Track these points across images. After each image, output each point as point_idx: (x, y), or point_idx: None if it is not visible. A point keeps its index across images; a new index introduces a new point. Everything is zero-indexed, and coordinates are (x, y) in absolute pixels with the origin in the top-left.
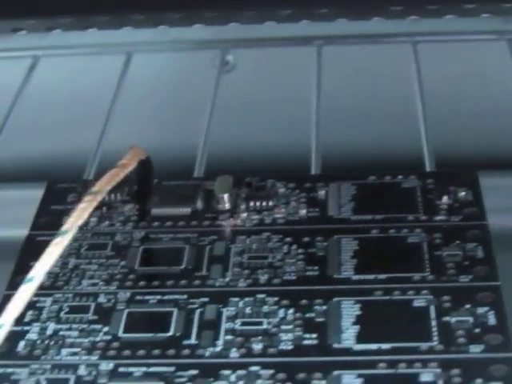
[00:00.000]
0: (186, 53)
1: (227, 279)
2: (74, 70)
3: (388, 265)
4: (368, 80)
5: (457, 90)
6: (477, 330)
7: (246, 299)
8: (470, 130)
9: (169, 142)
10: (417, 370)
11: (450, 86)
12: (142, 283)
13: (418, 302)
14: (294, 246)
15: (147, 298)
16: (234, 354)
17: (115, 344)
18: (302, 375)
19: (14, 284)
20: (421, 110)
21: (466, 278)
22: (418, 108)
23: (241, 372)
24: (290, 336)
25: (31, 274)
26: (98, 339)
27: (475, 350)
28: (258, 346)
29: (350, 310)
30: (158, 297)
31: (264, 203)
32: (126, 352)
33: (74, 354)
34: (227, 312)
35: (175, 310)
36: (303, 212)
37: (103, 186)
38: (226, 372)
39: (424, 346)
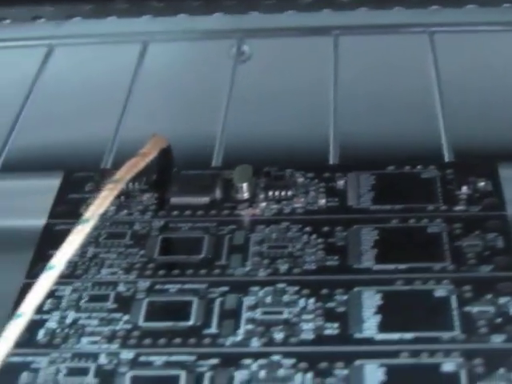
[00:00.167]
0: (202, 42)
1: (247, 268)
2: (89, 60)
3: (408, 255)
4: (385, 70)
5: (475, 80)
6: (498, 320)
7: (266, 289)
8: (489, 120)
9: (185, 131)
10: (439, 359)
11: (468, 77)
12: (161, 272)
13: (439, 292)
14: (314, 236)
15: (167, 287)
16: (255, 343)
17: (136, 333)
18: (323, 364)
19: (34, 273)
20: (439, 101)
21: (487, 268)
22: (436, 98)
23: (262, 361)
24: (311, 325)
25: (52, 261)
26: (118, 328)
27: (497, 339)
28: (279, 336)
29: (371, 299)
30: (178, 286)
31: (283, 193)
32: (147, 341)
33: (94, 342)
34: (247, 301)
35: (195, 299)
36: (322, 202)
37: (124, 175)
38: (248, 361)
39: (446, 335)
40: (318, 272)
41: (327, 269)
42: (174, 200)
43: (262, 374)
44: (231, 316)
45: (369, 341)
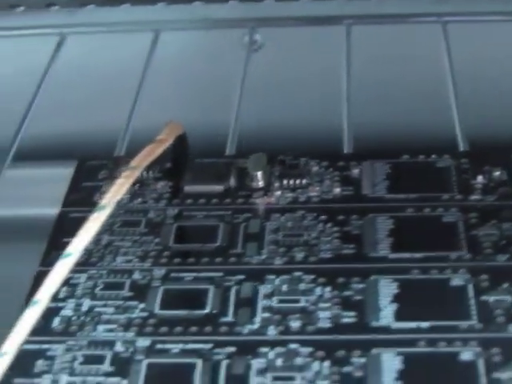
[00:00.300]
0: (214, 31)
1: (263, 257)
2: (101, 48)
3: (424, 244)
4: (398, 60)
5: (489, 70)
6: None
7: (283, 277)
8: (503, 109)
9: (198, 120)
10: (457, 348)
11: (482, 66)
12: (176, 260)
13: (456, 281)
14: (329, 225)
15: (182, 275)
16: (271, 331)
17: (152, 321)
18: (341, 353)
19: (48, 261)
20: (452, 90)
21: (503, 257)
22: (450, 88)
23: (279, 349)
24: (327, 314)
25: (69, 249)
26: (134, 316)
27: None
28: (295, 324)
29: (387, 288)
30: (194, 274)
31: (298, 181)
32: (163, 329)
33: (110, 330)
34: (264, 289)
35: (211, 288)
36: (337, 190)
37: (141, 162)
38: (265, 349)
39: (463, 324)
40: (334, 260)
41: (343, 257)
42: (188, 188)
43: (279, 362)
44: (247, 304)
45: (386, 329)
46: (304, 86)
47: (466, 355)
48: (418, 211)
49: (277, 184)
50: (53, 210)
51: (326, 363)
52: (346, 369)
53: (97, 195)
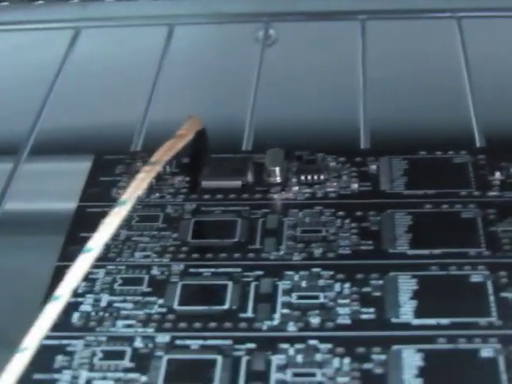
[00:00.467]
0: (228, 26)
1: (281, 252)
2: (115, 42)
3: (443, 240)
4: (413, 55)
5: (505, 65)
6: None
7: (301, 273)
8: None
9: (213, 115)
10: (477, 345)
11: (498, 62)
12: (195, 256)
13: (475, 278)
14: (347, 220)
15: (201, 270)
16: (291, 327)
17: (171, 316)
18: (361, 349)
19: (66, 255)
20: (468, 86)
21: None
22: (466, 83)
23: (299, 346)
24: (347, 310)
25: (90, 244)
26: (153, 311)
27: None
28: (315, 320)
29: (406, 284)
30: (212, 269)
31: (315, 177)
32: (182, 325)
33: (130, 326)
34: (283, 285)
35: (230, 283)
36: (355, 186)
37: (161, 157)
38: (285, 346)
39: (483, 321)
40: (352, 256)
41: (362, 253)
42: (206, 183)
43: (299, 358)
44: (267, 300)
45: (406, 326)
46: (319, 81)
47: (486, 352)
48: (436, 207)
49: (294, 179)
50: (70, 205)
51: (346, 360)
52: (367, 365)
53: (114, 190)
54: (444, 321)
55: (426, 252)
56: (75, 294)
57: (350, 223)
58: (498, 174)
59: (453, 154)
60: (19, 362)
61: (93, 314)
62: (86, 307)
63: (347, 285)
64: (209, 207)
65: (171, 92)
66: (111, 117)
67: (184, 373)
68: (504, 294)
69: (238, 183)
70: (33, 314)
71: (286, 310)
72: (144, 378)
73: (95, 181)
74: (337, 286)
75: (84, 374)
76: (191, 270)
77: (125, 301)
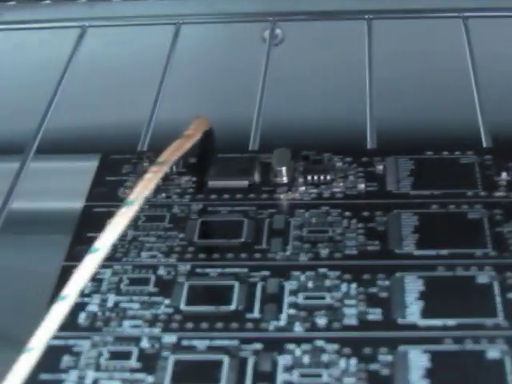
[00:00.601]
0: (234, 25)
1: (288, 253)
2: (122, 42)
3: (449, 240)
4: (420, 55)
5: (510, 65)
6: None
7: (308, 273)
8: None
9: (220, 115)
10: (483, 346)
11: (503, 62)
12: (201, 256)
13: (482, 279)
14: (354, 221)
15: (207, 270)
16: (298, 328)
17: (177, 317)
18: (367, 350)
19: (73, 255)
20: (474, 86)
21: None
22: (472, 84)
23: (306, 346)
24: (353, 311)
25: (97, 244)
26: (159, 312)
27: None
28: (321, 321)
29: (413, 285)
30: (219, 270)
31: (322, 177)
32: (189, 325)
33: (136, 326)
34: (289, 286)
35: (237, 284)
36: (361, 186)
37: (169, 157)
38: (291, 346)
39: (489, 322)
40: (359, 257)
41: (368, 254)
42: (212, 183)
43: (306, 359)
44: (273, 300)
45: (412, 326)
46: (325, 81)
47: (494, 353)
48: (443, 208)
49: (301, 180)
50: (76, 204)
51: (353, 360)
52: (373, 366)
53: (121, 190)
54: (450, 322)
55: (432, 252)
56: (82, 294)
57: (356, 223)
58: (504, 175)
59: (459, 155)
60: (26, 362)
61: (99, 314)
62: (92, 307)
63: (354, 285)
64: (215, 207)
65: (178, 91)
66: (118, 116)
67: (190, 373)
68: (511, 295)
69: (244, 183)
70: (39, 314)
71: (292, 311)
72: (150, 379)
73: (102, 180)
74: (343, 287)
75: (90, 374)
76: (198, 270)
77: (131, 301)
